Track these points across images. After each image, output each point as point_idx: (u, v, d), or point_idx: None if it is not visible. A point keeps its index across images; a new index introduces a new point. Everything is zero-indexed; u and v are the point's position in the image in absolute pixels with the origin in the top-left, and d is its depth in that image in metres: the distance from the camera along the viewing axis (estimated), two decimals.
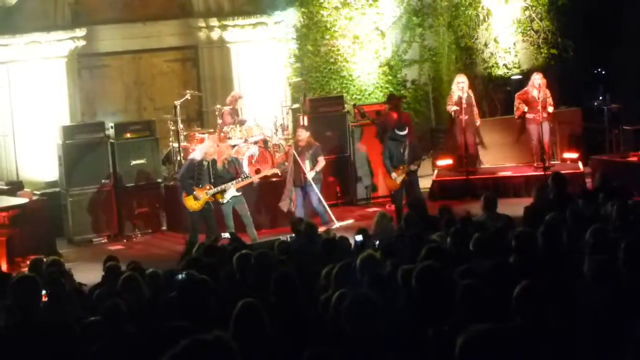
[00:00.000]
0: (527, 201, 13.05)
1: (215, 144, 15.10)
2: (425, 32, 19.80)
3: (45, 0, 17.07)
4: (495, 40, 20.09)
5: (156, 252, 15.25)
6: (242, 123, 16.69)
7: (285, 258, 9.83)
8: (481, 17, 20.02)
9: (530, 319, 5.76)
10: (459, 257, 8.56)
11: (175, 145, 16.82)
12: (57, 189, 16.40)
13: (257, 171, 16.12)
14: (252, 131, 16.67)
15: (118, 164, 16.32)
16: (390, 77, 19.50)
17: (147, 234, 16.44)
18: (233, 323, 6.08)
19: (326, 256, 9.44)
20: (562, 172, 14.26)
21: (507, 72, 20.07)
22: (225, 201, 14.61)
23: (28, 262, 13.95)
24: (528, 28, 20.10)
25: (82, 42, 17.53)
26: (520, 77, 19.59)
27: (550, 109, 17.24)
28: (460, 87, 17.45)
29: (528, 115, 17.35)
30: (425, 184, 16.99)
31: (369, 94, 19.21)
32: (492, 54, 20.13)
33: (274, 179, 16.45)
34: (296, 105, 17.99)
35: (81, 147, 16.11)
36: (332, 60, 19.11)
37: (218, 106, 17.12)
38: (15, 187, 15.91)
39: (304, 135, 15.50)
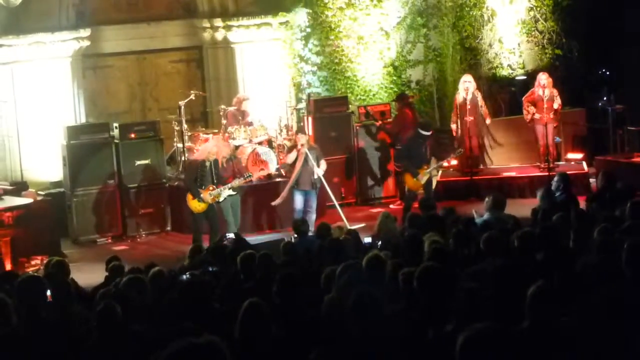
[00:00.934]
0: (532, 202, 13.05)
1: (216, 144, 15.11)
2: (429, 33, 19.78)
3: (49, 0, 17.08)
4: (499, 41, 20.08)
5: (160, 252, 15.24)
6: (248, 125, 16.70)
7: (290, 259, 9.82)
8: (486, 18, 20.00)
9: (542, 319, 5.75)
10: (462, 258, 8.57)
11: (180, 145, 16.83)
12: (62, 190, 16.40)
13: (261, 171, 16.16)
14: (257, 131, 16.68)
15: (122, 165, 16.32)
16: (394, 78, 19.49)
17: (152, 234, 16.44)
18: (239, 324, 6.07)
19: (331, 257, 9.43)
20: (567, 172, 14.26)
21: (512, 73, 20.05)
22: (222, 199, 14.63)
23: (33, 262, 14.06)
24: (532, 28, 20.08)
25: (86, 43, 17.54)
26: (524, 77, 19.59)
27: (556, 105, 17.22)
28: (465, 87, 17.45)
29: (534, 116, 17.34)
30: None
31: (374, 95, 19.21)
32: (496, 54, 20.11)
33: (277, 179, 16.47)
34: (300, 106, 17.99)
35: (86, 148, 16.11)
36: (336, 60, 19.10)
37: (222, 106, 17.12)
38: (19, 187, 15.92)
39: (304, 139, 15.42)
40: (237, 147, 16.48)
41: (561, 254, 8.20)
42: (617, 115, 17.99)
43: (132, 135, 16.41)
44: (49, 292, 8.11)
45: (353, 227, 14.20)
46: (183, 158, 16.65)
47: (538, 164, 17.68)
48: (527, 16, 20.06)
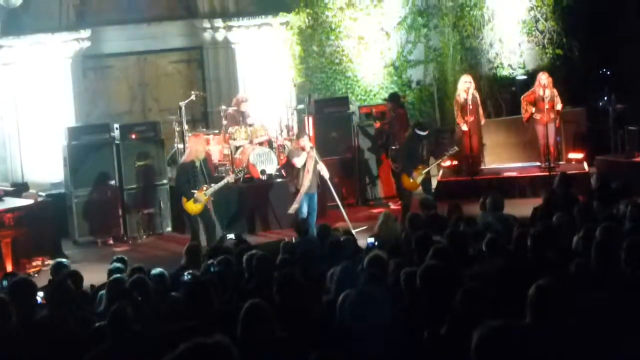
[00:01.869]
0: (533, 201, 13.06)
1: (200, 143, 15.07)
2: (430, 33, 19.77)
3: (50, 1, 17.09)
4: (500, 41, 20.06)
5: (161, 253, 15.23)
6: (248, 126, 16.69)
7: (289, 257, 9.80)
8: (486, 18, 19.98)
9: (543, 318, 5.74)
10: (460, 258, 8.57)
11: (180, 146, 16.82)
12: (62, 190, 16.39)
13: (262, 172, 16.16)
14: (257, 132, 16.67)
15: (123, 165, 16.31)
16: (395, 78, 19.50)
17: (152, 235, 16.44)
18: (240, 323, 6.07)
19: (332, 257, 9.43)
20: (567, 172, 14.27)
21: (512, 73, 20.03)
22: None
23: (34, 263, 14.05)
24: (533, 28, 20.06)
25: (87, 43, 17.54)
26: (525, 77, 19.57)
27: (559, 106, 17.23)
28: (465, 87, 17.45)
29: (535, 116, 17.35)
30: None
31: (374, 95, 19.21)
32: (497, 54, 20.09)
33: (278, 180, 16.47)
34: (301, 106, 17.98)
35: (86, 149, 16.11)
36: (337, 61, 19.10)
37: (223, 107, 17.11)
38: (20, 188, 15.92)
39: (309, 141, 15.31)
40: (237, 148, 16.48)
41: (562, 253, 8.21)
42: (618, 115, 17.96)
43: (133, 136, 16.41)
44: (41, 294, 8.14)
45: (357, 230, 14.21)
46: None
47: (539, 164, 17.68)
48: (527, 16, 20.03)
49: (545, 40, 20.02)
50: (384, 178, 17.78)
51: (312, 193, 15.03)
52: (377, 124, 17.53)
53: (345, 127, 17.68)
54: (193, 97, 17.23)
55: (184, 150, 16.63)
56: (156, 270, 9.25)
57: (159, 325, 7.19)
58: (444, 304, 6.49)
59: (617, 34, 19.43)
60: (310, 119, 17.51)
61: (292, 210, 14.99)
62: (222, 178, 14.91)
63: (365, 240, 11.47)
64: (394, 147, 16.87)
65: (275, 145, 16.89)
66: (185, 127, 16.83)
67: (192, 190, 14.35)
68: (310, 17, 18.80)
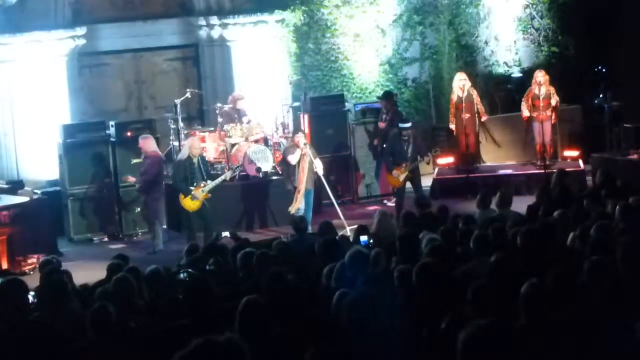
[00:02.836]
0: (528, 199, 13.05)
1: (197, 140, 15.08)
2: (425, 30, 19.78)
3: None
4: (495, 38, 20.08)
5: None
6: (244, 123, 16.68)
7: (278, 254, 9.77)
8: (482, 15, 20.01)
9: (537, 317, 5.75)
10: (453, 255, 8.58)
11: (176, 144, 16.81)
12: (58, 188, 16.39)
13: (258, 169, 16.16)
14: (253, 130, 16.66)
15: (119, 163, 16.30)
16: (391, 76, 19.50)
17: (148, 232, 16.41)
18: (237, 322, 6.07)
19: (326, 255, 9.41)
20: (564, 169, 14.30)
21: (508, 70, 20.06)
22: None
23: (29, 261, 14.03)
24: (529, 26, 20.09)
25: (82, 41, 17.52)
26: (521, 75, 19.59)
27: (554, 102, 17.21)
28: (460, 85, 17.46)
29: (532, 113, 17.34)
30: (426, 182, 16.98)
31: (370, 92, 19.20)
32: (492, 52, 20.12)
33: (274, 177, 16.47)
34: (297, 104, 17.97)
35: (82, 146, 16.09)
36: (332, 58, 19.10)
37: (219, 104, 17.11)
38: (15, 186, 15.91)
39: (304, 138, 15.32)
40: (233, 145, 16.47)
41: (558, 251, 8.21)
42: (614, 113, 17.97)
43: (129, 134, 16.37)
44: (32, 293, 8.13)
45: (352, 227, 14.16)
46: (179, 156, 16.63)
47: (534, 161, 17.70)
48: (523, 13, 20.06)
49: (541, 38, 20.05)
50: (379, 176, 17.76)
51: (308, 189, 15.05)
52: (382, 124, 17.36)
53: (340, 125, 17.68)
54: (189, 95, 17.23)
55: (180, 148, 16.65)
56: (151, 268, 9.24)
57: (156, 322, 7.20)
58: (440, 301, 6.49)
59: (612, 31, 19.45)
60: (306, 116, 17.50)
61: (293, 210, 14.96)
62: (219, 175, 14.94)
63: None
64: (384, 145, 16.82)
65: (270, 142, 16.89)
66: (181, 124, 16.83)
67: (190, 187, 14.38)
68: (306, 15, 18.80)
